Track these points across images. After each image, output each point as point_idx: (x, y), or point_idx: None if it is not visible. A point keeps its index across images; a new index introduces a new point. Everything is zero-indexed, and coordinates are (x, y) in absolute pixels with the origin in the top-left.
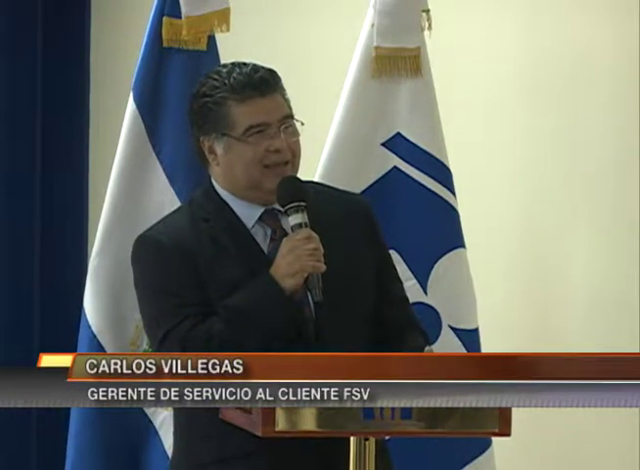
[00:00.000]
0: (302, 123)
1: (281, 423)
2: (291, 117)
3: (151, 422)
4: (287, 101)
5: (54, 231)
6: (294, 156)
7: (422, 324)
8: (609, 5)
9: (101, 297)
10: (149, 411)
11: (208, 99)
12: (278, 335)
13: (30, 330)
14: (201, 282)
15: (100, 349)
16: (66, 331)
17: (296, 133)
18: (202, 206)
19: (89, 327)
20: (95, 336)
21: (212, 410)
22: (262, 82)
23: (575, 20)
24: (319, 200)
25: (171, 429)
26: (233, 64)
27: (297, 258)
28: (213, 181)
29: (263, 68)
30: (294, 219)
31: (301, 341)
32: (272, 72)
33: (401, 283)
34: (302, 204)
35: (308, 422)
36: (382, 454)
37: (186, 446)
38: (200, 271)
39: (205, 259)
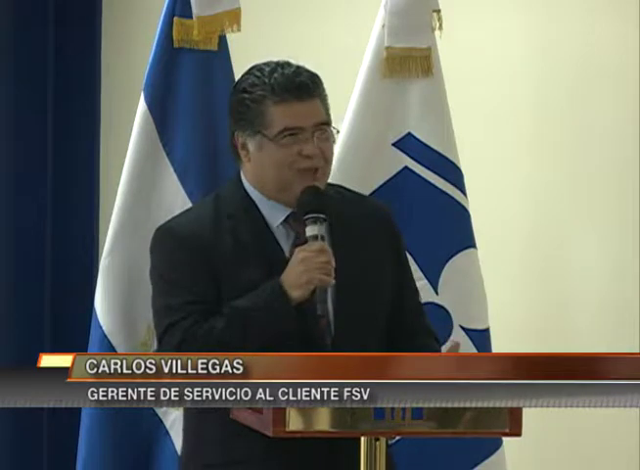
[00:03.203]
0: (338, 131)
1: (292, 423)
2: (327, 123)
3: (162, 422)
4: (326, 107)
5: (65, 231)
6: (325, 162)
7: (436, 333)
8: (618, 6)
9: (112, 297)
10: (160, 411)
11: (247, 95)
12: (281, 342)
13: (41, 330)
14: (215, 279)
15: (111, 349)
16: (77, 331)
17: (329, 140)
18: (227, 201)
19: (100, 327)
20: (106, 336)
21: (222, 411)
22: (302, 86)
23: (585, 21)
24: (344, 207)
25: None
26: (277, 63)
27: (306, 269)
28: (242, 177)
29: (307, 71)
30: (310, 231)
31: (317, 351)
32: (315, 77)
33: (417, 292)
34: (321, 216)
35: (319, 422)
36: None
37: (194, 447)
38: (216, 268)
39: (224, 257)
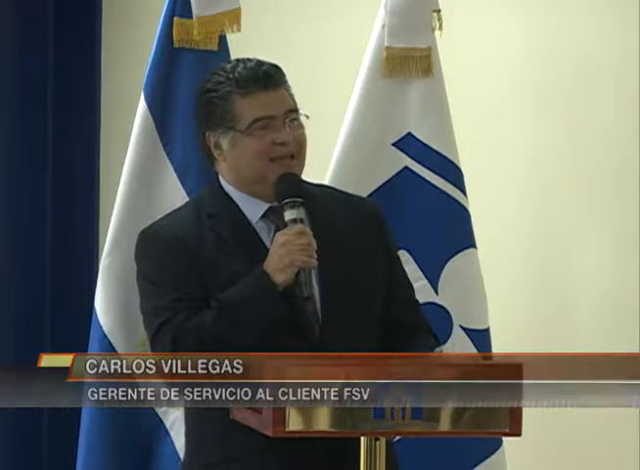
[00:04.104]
0: (307, 117)
1: (292, 423)
2: (295, 110)
3: (162, 422)
4: (291, 96)
5: (65, 231)
6: (299, 149)
7: (432, 327)
8: (616, 6)
9: (112, 297)
10: (160, 411)
11: (214, 94)
12: (271, 329)
13: (41, 330)
14: (200, 276)
15: (111, 349)
16: (77, 331)
17: (301, 127)
18: (207, 202)
19: (100, 327)
20: (106, 336)
21: (222, 410)
22: (266, 76)
23: (585, 21)
24: (327, 202)
25: (182, 429)
26: (237, 60)
27: (287, 252)
28: (220, 178)
29: (267, 62)
30: (289, 215)
31: (304, 338)
32: (276, 67)
33: (411, 287)
34: (299, 200)
35: (319, 422)
36: (389, 455)
37: (196, 446)
38: (200, 266)
39: (207, 254)
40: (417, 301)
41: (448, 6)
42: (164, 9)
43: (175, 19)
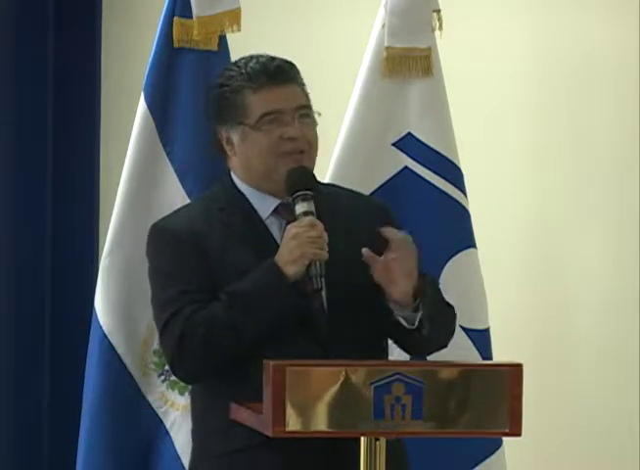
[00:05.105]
0: (319, 114)
1: (291, 423)
2: (307, 106)
3: (162, 422)
4: (305, 92)
5: (65, 231)
6: (310, 146)
7: (451, 311)
8: (616, 6)
9: (112, 297)
10: (160, 411)
11: (226, 88)
12: (279, 321)
13: (42, 330)
14: (210, 269)
15: (111, 349)
16: (77, 331)
17: (312, 123)
18: (218, 197)
19: (100, 327)
20: (106, 336)
21: (223, 408)
22: (278, 71)
23: (585, 21)
24: (336, 198)
25: (182, 429)
26: (251, 56)
27: (298, 244)
28: (232, 174)
29: (280, 58)
30: (300, 208)
31: (311, 330)
32: (290, 63)
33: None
34: (309, 193)
35: (319, 422)
36: (400, 457)
37: (202, 441)
38: (210, 259)
39: (218, 247)
40: (432, 282)
41: (448, 6)
42: (164, 9)
43: (175, 19)
